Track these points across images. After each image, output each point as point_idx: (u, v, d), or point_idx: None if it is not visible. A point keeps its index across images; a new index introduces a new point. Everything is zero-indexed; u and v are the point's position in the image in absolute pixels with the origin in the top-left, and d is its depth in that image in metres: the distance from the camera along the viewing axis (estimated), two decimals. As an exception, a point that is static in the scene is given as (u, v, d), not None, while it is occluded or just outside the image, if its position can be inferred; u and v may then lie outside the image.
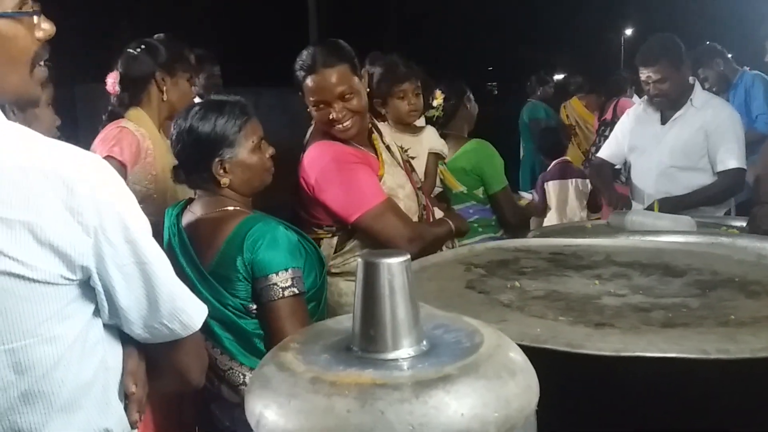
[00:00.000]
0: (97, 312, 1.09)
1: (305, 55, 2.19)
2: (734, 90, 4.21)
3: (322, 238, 2.18)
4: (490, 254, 1.69)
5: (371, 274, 0.74)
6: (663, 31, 3.34)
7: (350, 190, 2.14)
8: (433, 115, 3.22)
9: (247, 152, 1.87)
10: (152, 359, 1.20)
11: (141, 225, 1.08)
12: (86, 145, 1.14)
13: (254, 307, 1.83)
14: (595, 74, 6.81)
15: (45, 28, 1.07)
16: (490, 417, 0.66)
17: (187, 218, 1.92)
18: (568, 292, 1.37)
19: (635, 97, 6.23)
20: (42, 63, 1.10)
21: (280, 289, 1.77)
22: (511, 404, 0.68)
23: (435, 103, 3.20)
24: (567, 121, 6.57)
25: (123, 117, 2.54)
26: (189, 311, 1.16)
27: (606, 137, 5.73)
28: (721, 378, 1.04)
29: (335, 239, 2.19)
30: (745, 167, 3.05)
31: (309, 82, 2.15)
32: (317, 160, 2.17)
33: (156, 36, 2.69)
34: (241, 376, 1.86)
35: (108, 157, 2.37)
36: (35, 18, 1.06)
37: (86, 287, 1.05)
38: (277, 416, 0.68)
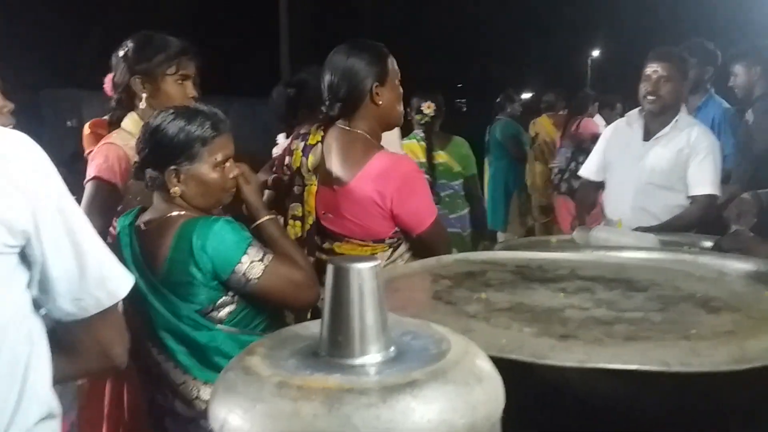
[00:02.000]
0: (28, 285, 1.10)
1: (364, 43, 2.28)
2: (698, 112, 4.22)
3: (376, 252, 2.20)
4: (457, 266, 1.69)
5: (341, 279, 0.74)
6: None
7: (423, 202, 2.22)
8: (424, 120, 4.32)
9: (207, 167, 1.84)
10: (74, 338, 1.19)
11: (68, 195, 1.12)
12: (51, 148, 1.15)
13: (211, 309, 1.80)
14: (563, 93, 6.90)
15: None
16: (457, 423, 0.66)
17: (139, 228, 1.89)
18: (534, 304, 1.38)
19: (598, 117, 6.34)
20: None
21: (256, 264, 1.78)
22: (478, 411, 0.68)
23: (426, 111, 4.30)
24: (536, 138, 6.70)
25: (120, 125, 2.40)
26: (115, 278, 1.18)
27: (568, 157, 5.81)
28: (683, 390, 1.06)
29: (390, 251, 2.22)
30: (719, 194, 3.15)
31: (392, 57, 2.26)
32: (395, 171, 2.18)
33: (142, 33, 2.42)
34: (196, 391, 1.82)
35: (95, 178, 2.27)
36: None
37: (23, 257, 1.07)
38: (242, 421, 0.68)
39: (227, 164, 1.89)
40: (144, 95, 2.36)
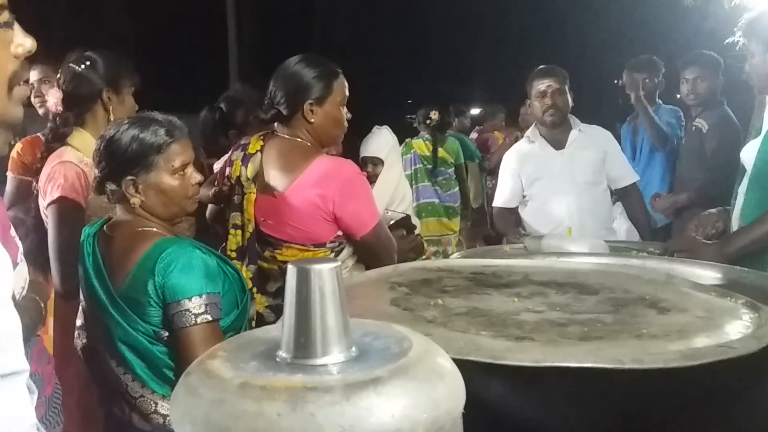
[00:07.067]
0: None
1: (318, 59, 2.30)
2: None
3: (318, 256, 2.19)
4: (413, 274, 1.71)
5: (302, 281, 0.74)
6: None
7: (366, 205, 2.23)
8: (432, 123, 5.48)
9: (165, 175, 1.81)
10: None
11: None
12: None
13: (166, 334, 1.75)
14: (512, 109, 7.03)
15: (23, 42, 0.95)
16: (419, 418, 0.67)
17: (103, 238, 1.85)
18: (489, 309, 1.40)
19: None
20: (22, 83, 0.97)
21: (193, 316, 1.69)
22: (439, 406, 0.69)
23: (433, 117, 5.47)
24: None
25: (65, 141, 2.40)
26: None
27: None
28: (636, 387, 1.08)
29: (332, 255, 2.21)
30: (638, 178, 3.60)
31: (342, 81, 2.29)
32: (337, 174, 2.20)
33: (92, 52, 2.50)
34: (153, 404, 1.78)
35: (61, 198, 2.25)
36: (12, 31, 0.94)
37: None
38: (205, 423, 0.67)
39: (187, 171, 1.86)
40: (111, 108, 2.45)
